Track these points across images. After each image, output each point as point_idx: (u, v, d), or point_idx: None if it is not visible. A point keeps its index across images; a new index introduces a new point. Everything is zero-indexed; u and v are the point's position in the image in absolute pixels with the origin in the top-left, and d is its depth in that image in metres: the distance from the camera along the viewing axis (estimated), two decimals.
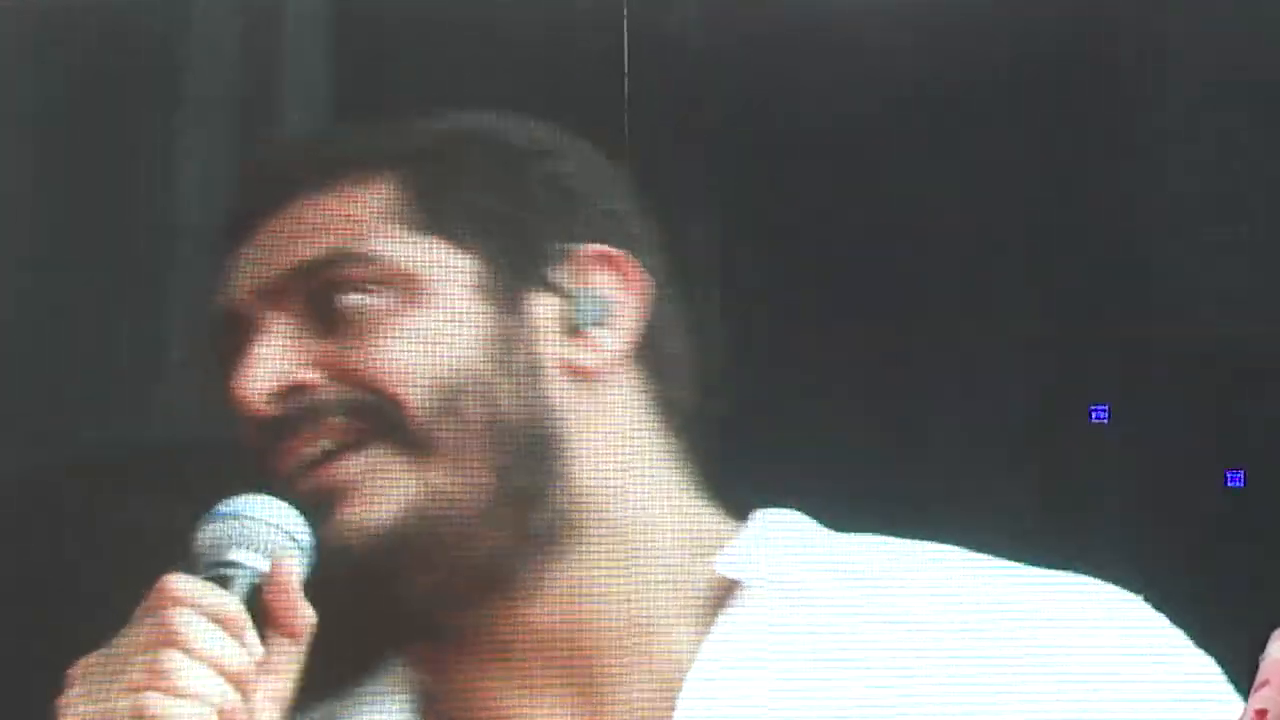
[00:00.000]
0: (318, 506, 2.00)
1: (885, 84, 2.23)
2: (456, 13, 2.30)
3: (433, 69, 2.29)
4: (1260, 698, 1.59)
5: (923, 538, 2.07)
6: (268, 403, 2.03)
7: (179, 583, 1.89)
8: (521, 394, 2.03)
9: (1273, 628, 1.78)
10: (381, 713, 2.06)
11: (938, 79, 2.23)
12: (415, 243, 2.06)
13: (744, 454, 2.14)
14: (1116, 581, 2.03)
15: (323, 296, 2.05)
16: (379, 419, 2.02)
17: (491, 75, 2.28)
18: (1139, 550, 2.07)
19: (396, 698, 2.07)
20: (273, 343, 2.05)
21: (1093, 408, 2.16)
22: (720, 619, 2.03)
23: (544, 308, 2.07)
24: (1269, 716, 1.57)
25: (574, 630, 2.02)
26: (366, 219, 2.07)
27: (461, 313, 2.05)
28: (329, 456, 2.02)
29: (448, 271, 2.06)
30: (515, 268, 2.07)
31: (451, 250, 2.07)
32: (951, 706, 1.99)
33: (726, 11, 2.28)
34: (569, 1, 2.28)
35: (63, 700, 1.88)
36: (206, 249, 2.19)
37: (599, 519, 2.04)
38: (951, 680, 2.00)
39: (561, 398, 2.05)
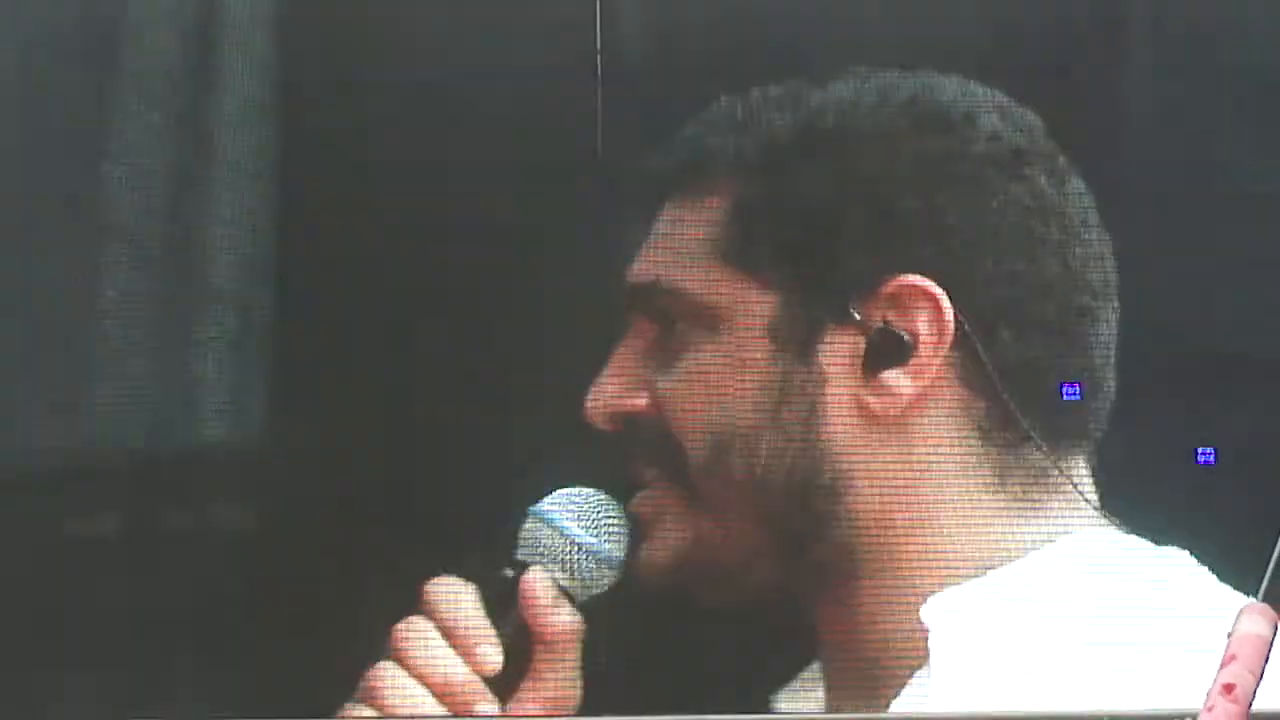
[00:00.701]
0: (637, 527, 2.07)
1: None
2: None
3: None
4: (1228, 673, 1.61)
5: None
6: (605, 421, 2.09)
7: (431, 587, 1.98)
8: (792, 444, 2.02)
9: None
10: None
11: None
12: (722, 276, 2.05)
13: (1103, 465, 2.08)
14: None
15: (654, 319, 2.08)
16: (667, 460, 2.07)
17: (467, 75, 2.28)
18: None
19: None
20: (626, 356, 2.09)
21: (1064, 385, 2.12)
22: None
23: (838, 346, 2.04)
24: (1236, 691, 1.59)
25: (846, 656, 2.05)
26: (688, 242, 2.07)
27: (748, 358, 2.04)
28: (643, 485, 2.09)
29: (745, 310, 2.04)
30: (815, 304, 2.03)
31: (754, 286, 2.04)
32: None
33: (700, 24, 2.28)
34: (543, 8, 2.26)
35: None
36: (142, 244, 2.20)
37: (877, 552, 2.04)
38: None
39: (845, 439, 2.03)
